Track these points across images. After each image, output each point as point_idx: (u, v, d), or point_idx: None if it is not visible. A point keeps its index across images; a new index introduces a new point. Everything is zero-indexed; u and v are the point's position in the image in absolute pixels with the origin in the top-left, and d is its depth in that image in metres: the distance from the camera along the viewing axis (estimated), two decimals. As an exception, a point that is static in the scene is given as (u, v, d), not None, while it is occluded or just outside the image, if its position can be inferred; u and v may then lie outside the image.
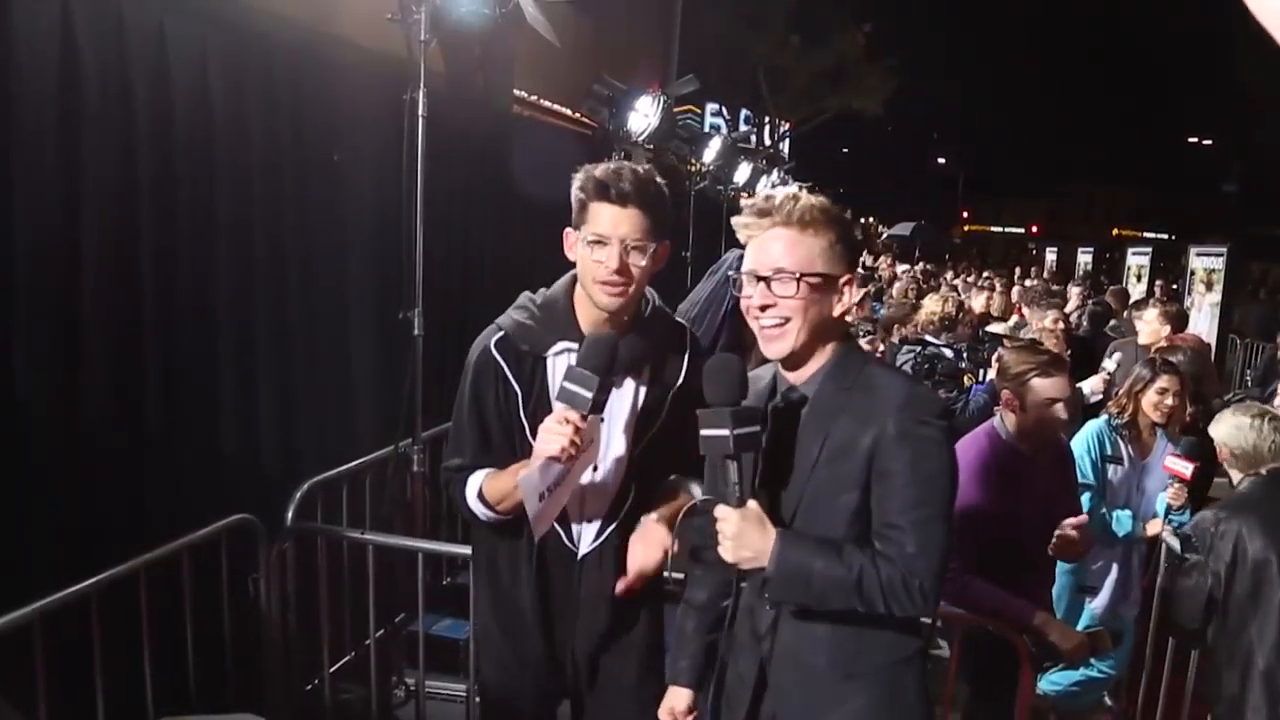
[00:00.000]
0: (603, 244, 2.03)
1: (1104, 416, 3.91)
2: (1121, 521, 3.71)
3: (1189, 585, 2.98)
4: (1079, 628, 3.62)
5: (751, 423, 1.75)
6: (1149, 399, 3.85)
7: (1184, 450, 3.71)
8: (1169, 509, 3.76)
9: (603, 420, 2.11)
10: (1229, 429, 3.09)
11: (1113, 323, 8.20)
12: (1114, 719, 4.17)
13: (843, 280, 1.81)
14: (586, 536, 2.22)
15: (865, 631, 1.79)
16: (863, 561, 1.70)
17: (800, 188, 1.94)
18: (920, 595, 1.70)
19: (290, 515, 3.39)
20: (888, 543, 1.73)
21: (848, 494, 1.75)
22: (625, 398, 2.16)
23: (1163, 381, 3.86)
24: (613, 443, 2.18)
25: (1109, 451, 3.79)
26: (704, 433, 1.76)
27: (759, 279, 1.79)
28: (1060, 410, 2.97)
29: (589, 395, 1.91)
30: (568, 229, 2.12)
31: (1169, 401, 3.86)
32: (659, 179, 2.11)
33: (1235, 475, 3.11)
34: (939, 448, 1.74)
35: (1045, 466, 3.02)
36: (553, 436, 1.93)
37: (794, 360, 1.83)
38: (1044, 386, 2.94)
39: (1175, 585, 3.04)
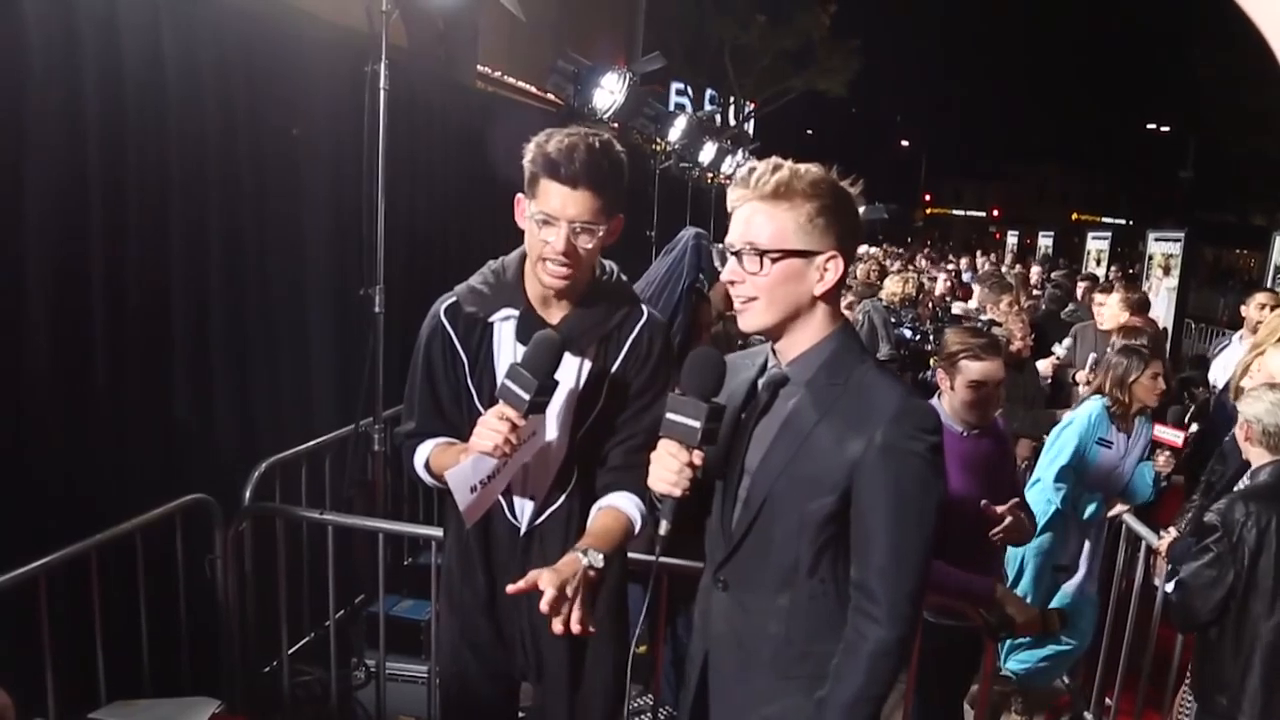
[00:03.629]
0: (550, 224, 1.98)
1: (1102, 400, 3.94)
2: (1089, 504, 3.76)
3: (1211, 577, 2.87)
4: (1053, 605, 3.69)
5: (717, 421, 1.70)
6: (1144, 385, 3.89)
7: (1173, 420, 3.79)
8: (1159, 476, 3.88)
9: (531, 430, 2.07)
10: (1266, 406, 2.97)
11: (1070, 307, 8.30)
12: (1071, 698, 4.25)
13: (824, 257, 1.69)
14: (528, 512, 2.20)
15: (816, 645, 1.76)
16: (836, 704, 1.68)
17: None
18: (893, 630, 1.66)
19: (248, 495, 3.33)
20: (863, 595, 1.69)
21: (822, 498, 1.70)
22: (568, 375, 2.09)
23: (1154, 367, 3.92)
24: (555, 418, 2.13)
25: (1104, 435, 3.85)
26: (670, 416, 1.71)
27: (731, 253, 1.74)
28: (988, 394, 2.99)
29: (526, 398, 1.88)
30: (519, 195, 2.07)
31: (1161, 385, 3.93)
32: (616, 149, 2.02)
33: (1258, 455, 3.01)
34: (925, 464, 1.67)
35: (985, 447, 3.05)
36: (487, 433, 1.90)
37: (778, 337, 1.78)
38: (971, 369, 2.97)
39: (1196, 576, 2.91)
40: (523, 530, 2.20)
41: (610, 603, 2.30)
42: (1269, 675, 2.83)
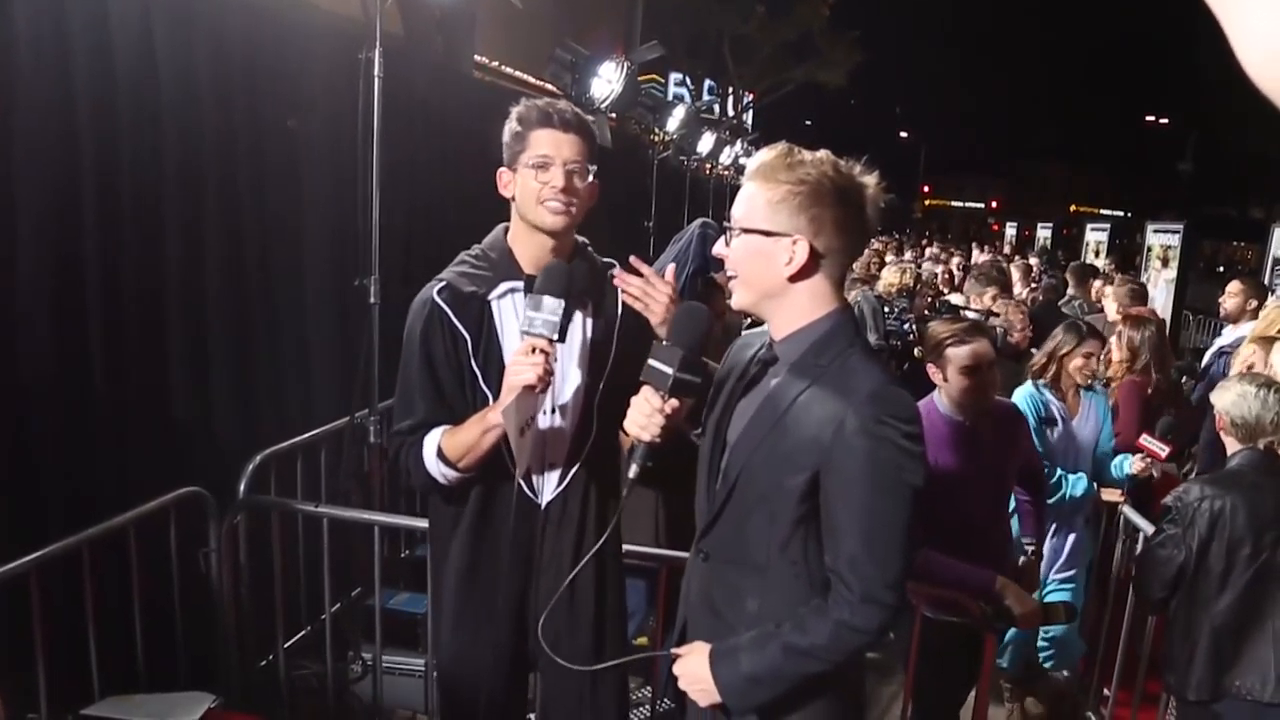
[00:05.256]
0: (547, 166, 2.07)
1: (1029, 382, 3.94)
2: (1076, 485, 3.74)
3: (1161, 555, 2.95)
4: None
5: (695, 373, 1.76)
6: (1074, 363, 3.88)
7: (1162, 431, 3.77)
8: (1132, 478, 3.85)
9: (556, 358, 2.09)
10: (1233, 397, 3.01)
11: (1068, 295, 8.28)
12: (1069, 688, 4.24)
13: (789, 240, 1.67)
14: (549, 484, 2.20)
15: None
16: (782, 641, 1.67)
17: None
18: (865, 614, 1.63)
19: (243, 488, 3.31)
20: (837, 580, 1.66)
21: (797, 475, 1.67)
22: (575, 332, 2.14)
23: (1088, 346, 3.90)
24: (568, 380, 2.16)
25: (1044, 414, 3.84)
26: (650, 362, 1.78)
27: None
28: (981, 376, 2.97)
29: (555, 319, 1.94)
30: (501, 169, 2.14)
31: (1093, 366, 3.93)
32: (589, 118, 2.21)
33: (1231, 445, 3.05)
34: (898, 451, 1.61)
35: (989, 433, 3.03)
36: (525, 366, 1.93)
37: (765, 317, 1.79)
38: (959, 355, 2.96)
39: (1148, 554, 3.02)
40: (543, 504, 2.19)
41: (609, 584, 2.31)
42: (1214, 657, 2.88)
